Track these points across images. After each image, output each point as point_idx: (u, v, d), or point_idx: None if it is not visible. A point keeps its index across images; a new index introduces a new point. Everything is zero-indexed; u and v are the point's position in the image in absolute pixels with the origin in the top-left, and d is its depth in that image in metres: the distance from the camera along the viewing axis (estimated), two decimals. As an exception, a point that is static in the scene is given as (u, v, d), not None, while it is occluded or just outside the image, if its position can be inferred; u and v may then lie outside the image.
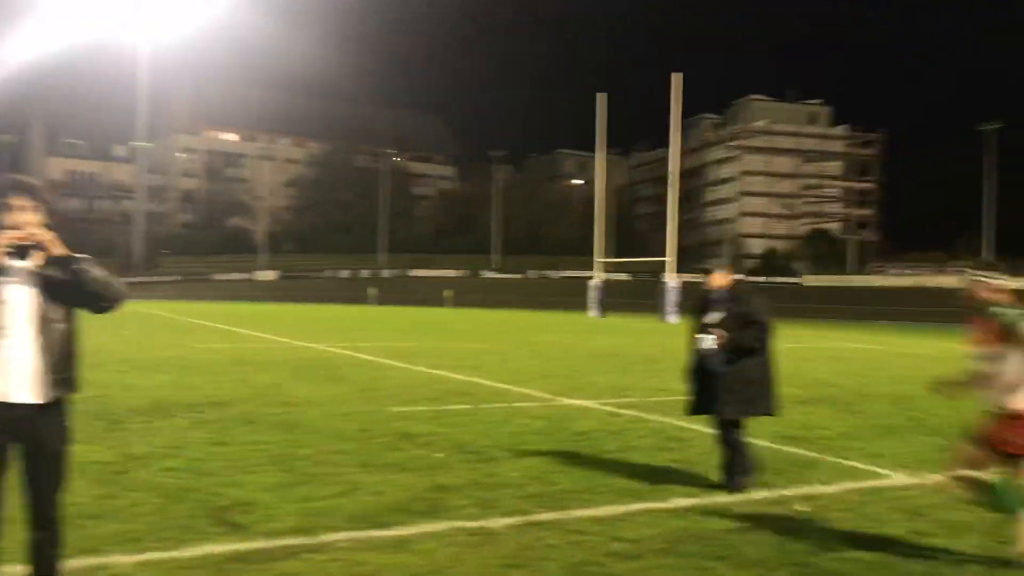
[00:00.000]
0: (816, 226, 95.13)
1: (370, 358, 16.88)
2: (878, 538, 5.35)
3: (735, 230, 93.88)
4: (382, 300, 66.47)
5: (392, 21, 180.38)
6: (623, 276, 70.80)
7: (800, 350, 24.42)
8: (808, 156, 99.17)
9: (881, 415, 10.88)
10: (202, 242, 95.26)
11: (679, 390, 12.73)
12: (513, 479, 6.60)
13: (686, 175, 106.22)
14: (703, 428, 9.11)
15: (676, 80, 43.82)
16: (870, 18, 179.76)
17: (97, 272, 3.36)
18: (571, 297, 55.96)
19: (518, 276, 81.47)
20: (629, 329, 34.73)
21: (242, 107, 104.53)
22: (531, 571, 4.57)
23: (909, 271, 73.08)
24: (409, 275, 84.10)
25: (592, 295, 48.33)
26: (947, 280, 68.93)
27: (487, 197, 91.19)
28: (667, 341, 26.09)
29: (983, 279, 5.06)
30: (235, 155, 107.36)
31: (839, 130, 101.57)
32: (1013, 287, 5.02)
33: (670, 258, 44.71)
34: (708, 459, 7.62)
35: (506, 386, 12.59)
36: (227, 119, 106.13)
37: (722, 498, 6.23)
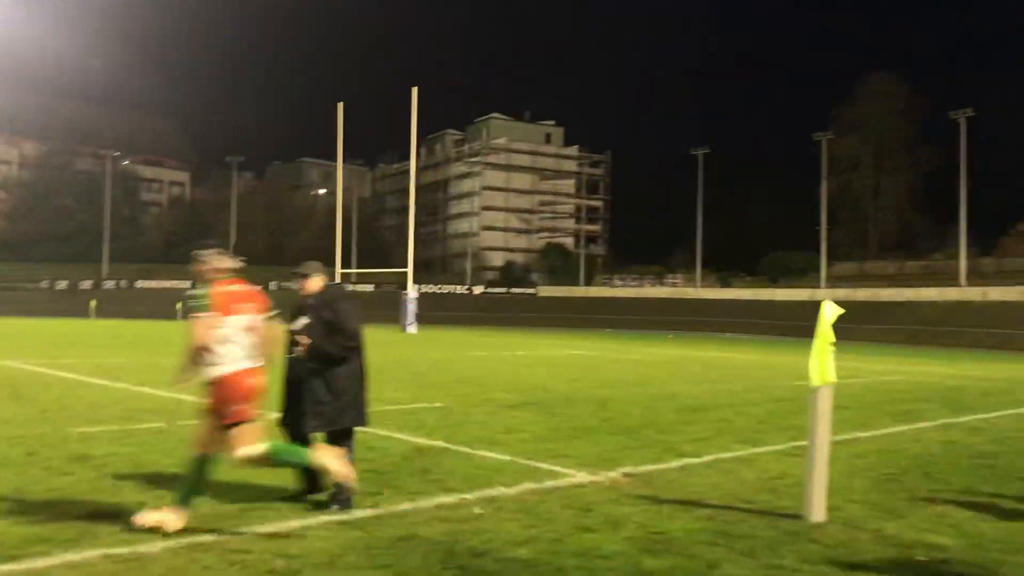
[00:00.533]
0: (551, 240, 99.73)
1: (67, 375, 15.48)
2: (544, 536, 5.54)
3: (477, 243, 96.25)
4: (104, 313, 61.80)
5: (126, 18, 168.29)
6: (369, 287, 70.50)
7: (525, 357, 25.40)
8: (544, 174, 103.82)
9: (579, 417, 11.46)
10: None
11: (402, 399, 12.82)
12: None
13: (431, 188, 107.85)
14: (393, 437, 9.19)
15: (414, 94, 44.28)
16: (597, 45, 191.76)
17: None
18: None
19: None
20: (369, 340, 34.41)
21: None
22: (174, 596, 4.30)
23: (632, 283, 78.47)
24: (136, 287, 78.72)
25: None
26: (664, 291, 74.80)
27: (224, 204, 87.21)
28: (393, 351, 26.18)
29: (204, 258, 5.69)
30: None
31: (571, 150, 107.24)
32: (228, 266, 5.75)
33: (409, 269, 44.97)
34: (399, 468, 7.63)
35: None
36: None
37: (402, 506, 6.23)
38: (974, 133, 58.94)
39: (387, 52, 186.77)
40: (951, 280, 59.02)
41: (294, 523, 5.72)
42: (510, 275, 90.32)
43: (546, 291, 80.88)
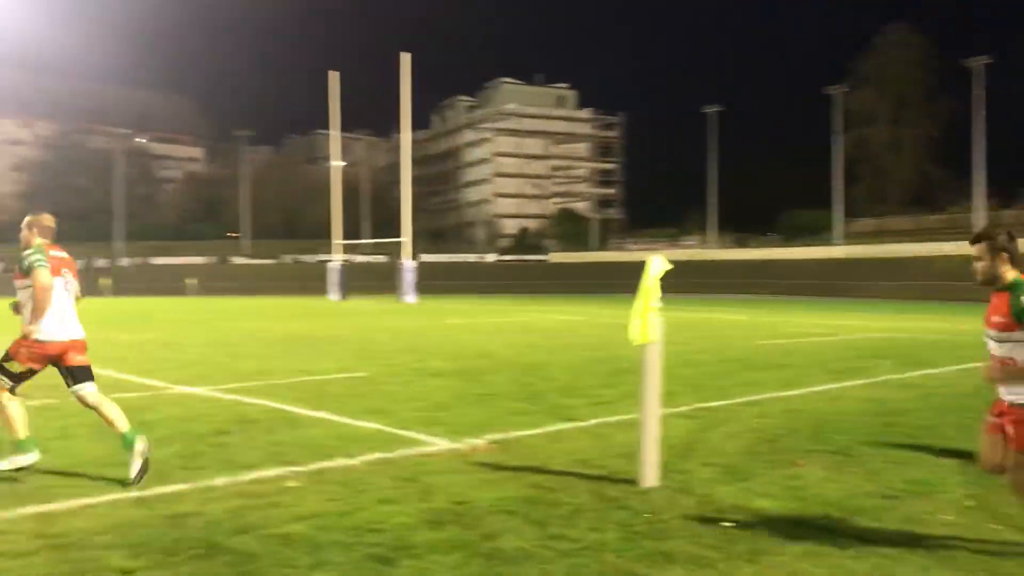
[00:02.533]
0: (565, 206, 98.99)
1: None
2: (333, 511, 5.22)
3: (490, 211, 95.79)
4: (119, 291, 62.19)
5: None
6: (381, 258, 70.27)
7: (502, 323, 25.08)
8: (557, 138, 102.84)
9: (496, 383, 11.13)
10: None
11: (325, 370, 12.59)
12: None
13: (443, 157, 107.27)
14: (270, 407, 8.94)
15: (404, 60, 43.72)
16: (609, 4, 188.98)
17: None
18: (323, 282, 54.84)
19: (270, 261, 78.89)
20: (356, 311, 34.40)
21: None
22: None
23: (646, 246, 77.70)
24: (151, 263, 79.24)
25: (332, 278, 47.54)
26: (678, 253, 74.02)
27: (236, 179, 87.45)
28: (367, 321, 25.98)
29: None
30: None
31: (584, 113, 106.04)
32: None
33: (406, 239, 44.71)
34: (248, 441, 7.35)
35: (131, 377, 11.77)
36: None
37: (215, 480, 5.94)
38: (993, 82, 57.30)
39: (399, 19, 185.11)
40: (970, 234, 57.73)
41: (89, 499, 5.45)
42: (523, 242, 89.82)
43: (557, 257, 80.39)
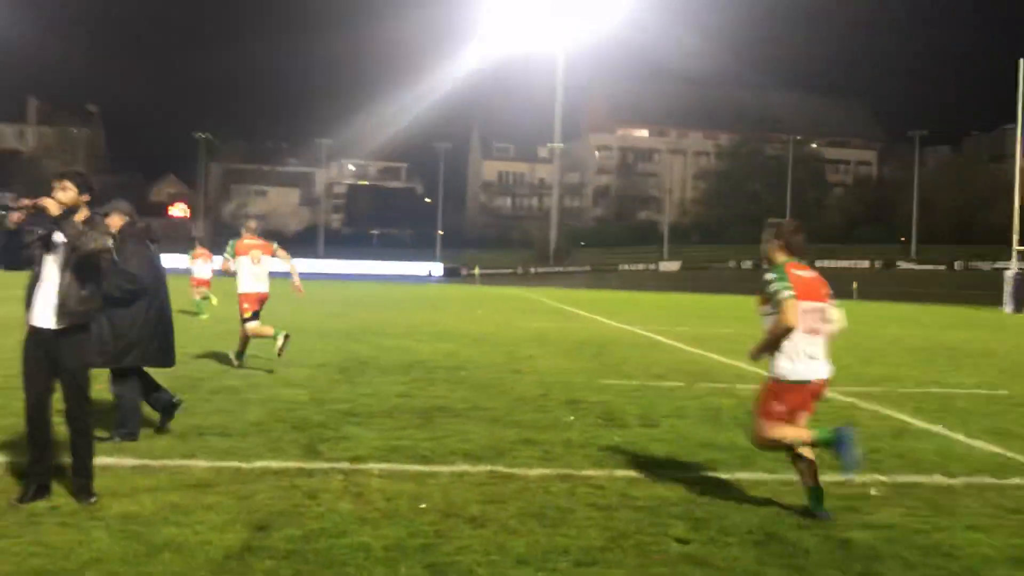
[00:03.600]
0: None
1: (663, 340, 17.24)
2: (928, 529, 4.94)
3: None
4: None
5: (805, 8, 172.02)
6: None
7: None
8: None
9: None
10: (612, 234, 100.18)
11: (960, 384, 11.53)
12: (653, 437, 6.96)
13: None
14: (898, 417, 8.47)
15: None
16: None
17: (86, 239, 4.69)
18: (998, 291, 49.70)
19: (938, 268, 74.19)
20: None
21: (653, 103, 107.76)
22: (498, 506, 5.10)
23: None
24: (816, 266, 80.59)
25: (1007, 288, 42.78)
26: None
27: (909, 181, 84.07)
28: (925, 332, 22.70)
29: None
30: (646, 150, 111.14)
31: None
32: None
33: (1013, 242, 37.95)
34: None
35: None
36: (639, 116, 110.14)
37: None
38: None
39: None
40: None
41: (672, 472, 6.03)
42: None
43: None
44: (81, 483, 4.90)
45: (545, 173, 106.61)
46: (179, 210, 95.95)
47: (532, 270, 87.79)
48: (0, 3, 77.40)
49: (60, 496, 4.90)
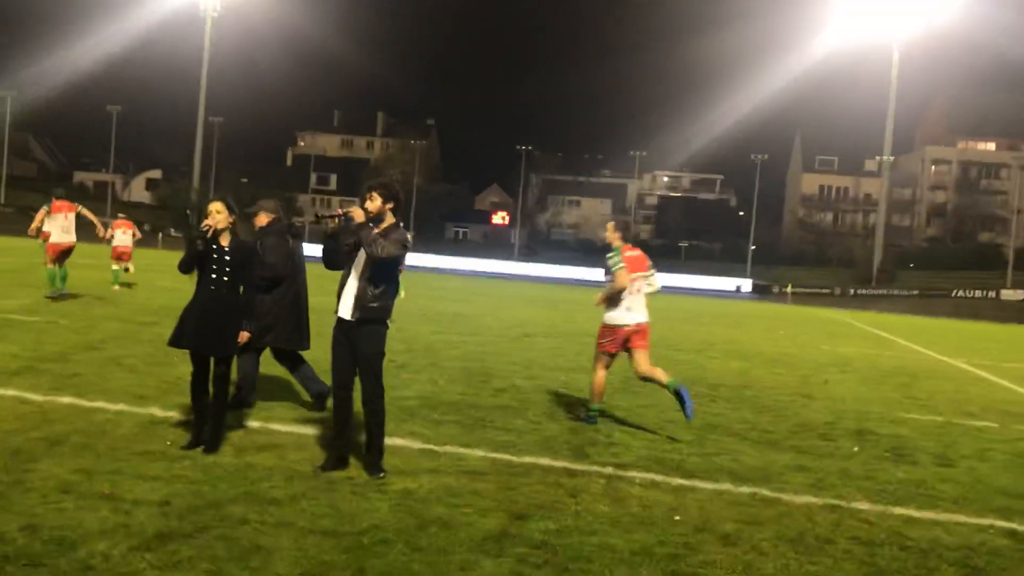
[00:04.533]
0: None
1: (987, 376, 15.61)
2: None
3: None
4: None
5: None
6: None
7: None
8: None
9: None
10: (946, 257, 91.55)
11: None
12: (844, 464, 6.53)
13: None
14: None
15: None
16: None
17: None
18: None
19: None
20: None
21: (1001, 112, 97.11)
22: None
23: None
24: None
25: None
26: None
27: None
28: None
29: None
30: (992, 165, 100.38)
31: None
32: None
33: None
34: None
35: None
36: (984, 126, 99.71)
37: None
38: None
39: None
40: None
41: (932, 514, 5.57)
42: None
43: None
44: (372, 459, 5.55)
45: (872, 188, 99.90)
46: (500, 218, 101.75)
47: (851, 291, 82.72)
48: (361, 36, 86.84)
49: (355, 468, 5.57)
